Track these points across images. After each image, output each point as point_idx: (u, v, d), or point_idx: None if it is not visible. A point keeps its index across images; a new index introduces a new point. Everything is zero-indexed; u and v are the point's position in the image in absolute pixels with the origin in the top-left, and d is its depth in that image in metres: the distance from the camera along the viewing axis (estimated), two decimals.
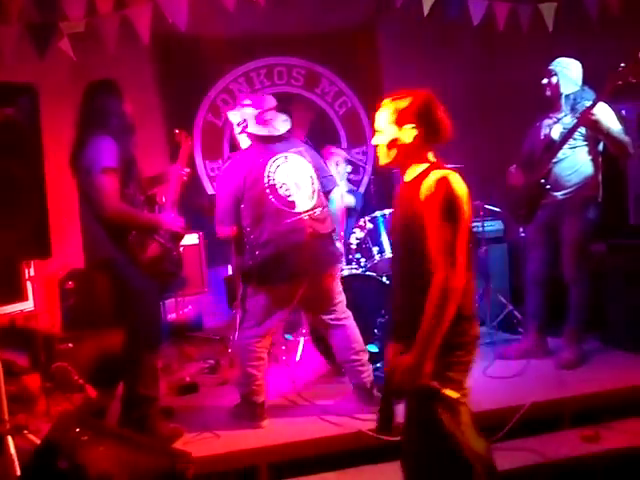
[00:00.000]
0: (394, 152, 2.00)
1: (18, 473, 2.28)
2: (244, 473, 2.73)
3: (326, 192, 3.21)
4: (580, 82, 3.53)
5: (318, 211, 3.05)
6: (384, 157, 2.04)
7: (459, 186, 1.88)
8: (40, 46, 3.61)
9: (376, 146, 2.10)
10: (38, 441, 2.44)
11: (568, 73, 3.51)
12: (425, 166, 1.97)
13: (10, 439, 2.42)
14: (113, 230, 2.75)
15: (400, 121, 1.98)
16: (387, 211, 3.88)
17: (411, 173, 1.99)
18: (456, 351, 1.89)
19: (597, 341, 3.90)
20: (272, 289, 3.01)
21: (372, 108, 6.19)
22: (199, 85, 5.54)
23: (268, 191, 2.97)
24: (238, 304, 3.99)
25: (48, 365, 3.57)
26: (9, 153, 2.51)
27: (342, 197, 3.22)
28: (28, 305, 3.75)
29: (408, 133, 1.97)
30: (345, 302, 3.17)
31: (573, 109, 3.46)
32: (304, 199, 3.02)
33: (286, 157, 3.07)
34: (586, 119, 3.32)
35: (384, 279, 3.72)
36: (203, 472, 2.54)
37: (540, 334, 3.75)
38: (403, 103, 2.01)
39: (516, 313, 4.26)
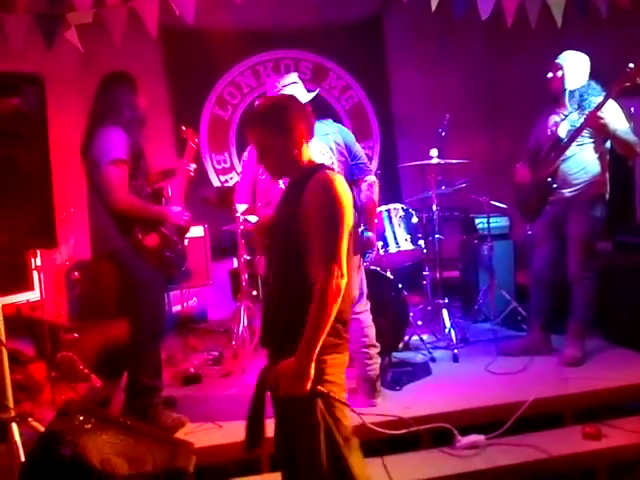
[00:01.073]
0: (274, 162, 1.95)
1: (22, 459, 2.30)
2: (245, 464, 2.74)
3: (355, 180, 3.13)
4: (587, 77, 3.50)
5: None
6: (270, 170, 2.01)
7: (342, 189, 1.83)
8: (47, 36, 3.62)
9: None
10: (42, 429, 2.46)
11: (574, 67, 3.48)
12: (306, 168, 1.93)
13: (15, 426, 2.44)
14: (120, 221, 2.77)
15: (267, 132, 1.92)
16: (392, 206, 3.88)
17: (294, 176, 1.96)
18: (334, 353, 1.88)
19: (601, 339, 3.89)
20: None
21: (379, 102, 6.21)
22: (206, 78, 5.56)
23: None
24: (242, 297, 4.02)
25: (54, 354, 3.60)
26: (16, 142, 2.52)
27: (372, 186, 3.12)
28: (34, 295, 3.77)
29: (278, 141, 1.91)
30: (365, 295, 3.14)
31: (580, 106, 3.43)
32: None
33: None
34: (593, 121, 3.30)
35: (388, 274, 3.73)
36: (205, 462, 2.56)
37: (544, 331, 3.75)
38: (263, 115, 1.96)
39: (520, 310, 4.25)
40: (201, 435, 2.80)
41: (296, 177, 1.94)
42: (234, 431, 2.87)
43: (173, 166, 3.26)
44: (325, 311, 1.76)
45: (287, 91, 3.01)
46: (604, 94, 3.33)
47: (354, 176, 3.12)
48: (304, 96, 3.05)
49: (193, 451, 2.51)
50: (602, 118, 3.28)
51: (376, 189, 3.15)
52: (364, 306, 3.14)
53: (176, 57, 5.41)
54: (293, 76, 3.13)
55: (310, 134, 1.96)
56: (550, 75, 3.52)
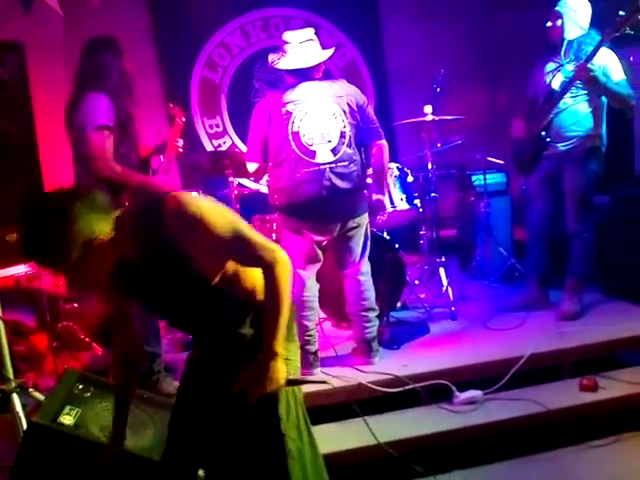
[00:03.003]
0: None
1: (25, 427, 2.33)
2: None
3: (366, 144, 3.09)
4: (587, 26, 3.39)
5: (342, 164, 2.95)
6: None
7: (189, 196, 1.66)
8: (25, 1, 3.51)
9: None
10: (42, 398, 2.49)
11: (574, 16, 3.36)
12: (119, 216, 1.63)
13: (16, 397, 2.47)
14: (106, 189, 2.74)
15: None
16: (392, 164, 3.84)
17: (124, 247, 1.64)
18: (294, 335, 1.92)
19: (599, 292, 3.90)
20: (297, 233, 3.01)
21: (372, 59, 6.08)
22: (194, 40, 5.42)
23: (291, 137, 2.92)
24: None
25: (54, 325, 3.62)
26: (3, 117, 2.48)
27: (382, 150, 3.10)
28: (30, 266, 3.77)
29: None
30: (366, 258, 3.13)
31: (577, 56, 3.34)
32: (326, 151, 2.94)
33: (319, 100, 2.95)
34: (582, 73, 3.21)
35: (384, 234, 3.71)
36: None
37: (541, 286, 3.75)
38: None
39: (518, 266, 4.25)
40: None
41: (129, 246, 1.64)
42: None
43: (162, 142, 3.21)
44: (284, 299, 1.69)
45: (303, 49, 2.95)
46: (607, 52, 3.25)
47: (365, 140, 3.07)
48: (320, 54, 2.99)
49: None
50: (592, 70, 3.20)
51: (386, 153, 3.10)
52: (365, 267, 3.13)
53: (163, 18, 5.25)
54: (309, 32, 3.02)
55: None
56: (549, 24, 3.42)
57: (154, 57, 5.20)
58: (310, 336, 3.07)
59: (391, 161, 4.00)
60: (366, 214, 3.12)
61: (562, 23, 3.37)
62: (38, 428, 2.07)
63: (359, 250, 3.09)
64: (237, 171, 3.97)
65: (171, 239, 1.59)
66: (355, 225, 3.03)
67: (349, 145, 2.98)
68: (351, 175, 2.98)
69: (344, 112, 2.98)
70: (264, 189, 3.98)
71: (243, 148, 5.34)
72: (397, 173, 3.82)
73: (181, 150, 3.18)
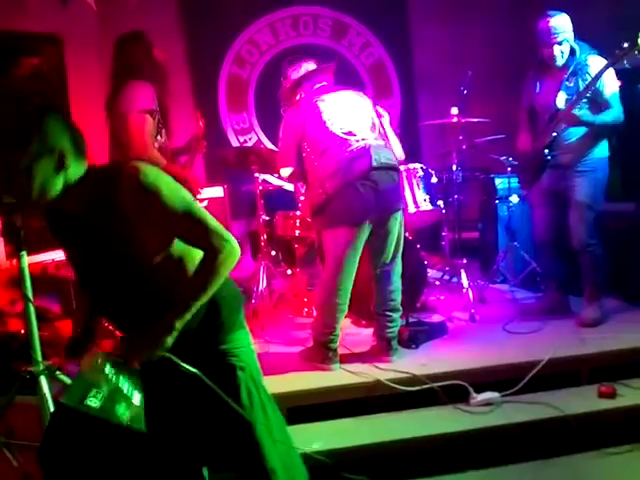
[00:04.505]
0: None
1: (52, 410, 2.41)
2: None
3: None
4: (572, 37, 3.39)
5: (380, 142, 3.06)
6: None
7: (150, 167, 1.62)
8: None
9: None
10: (69, 381, 2.56)
11: (570, 37, 3.37)
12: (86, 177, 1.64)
13: (44, 379, 2.54)
14: None
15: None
16: (411, 165, 3.86)
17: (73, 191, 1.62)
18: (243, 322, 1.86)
19: (621, 299, 3.87)
20: (346, 228, 2.99)
21: (399, 59, 6.10)
22: (223, 36, 5.49)
23: (328, 124, 3.01)
24: (261, 257, 4.07)
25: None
26: (36, 101, 2.55)
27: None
28: (58, 254, 3.86)
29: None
30: (399, 258, 3.16)
31: (574, 72, 3.35)
32: (364, 128, 3.04)
33: (344, 96, 3.11)
34: (568, 119, 3.30)
35: (406, 234, 3.73)
36: None
37: (560, 292, 3.74)
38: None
39: (539, 271, 4.23)
40: None
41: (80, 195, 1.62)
42: None
43: (187, 142, 3.34)
44: (208, 285, 1.63)
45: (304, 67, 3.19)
46: (599, 60, 3.28)
47: None
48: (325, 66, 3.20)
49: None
50: (579, 117, 3.27)
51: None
52: (397, 267, 3.16)
53: (193, 15, 5.34)
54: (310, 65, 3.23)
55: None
56: (556, 52, 3.37)
57: (183, 53, 5.29)
58: (334, 335, 3.10)
59: (415, 162, 4.03)
60: (401, 212, 3.16)
61: (569, 47, 3.38)
62: (65, 409, 2.13)
63: (392, 248, 3.11)
64: (263, 167, 4.03)
65: (120, 205, 1.55)
66: (397, 217, 3.08)
67: (379, 132, 3.12)
68: (390, 152, 3.09)
69: (368, 106, 3.14)
70: (288, 186, 4.03)
71: (268, 144, 5.40)
72: (421, 174, 3.84)
73: (204, 150, 3.33)
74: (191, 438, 1.79)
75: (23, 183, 1.54)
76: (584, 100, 3.31)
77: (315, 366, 3.10)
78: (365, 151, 2.97)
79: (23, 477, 2.51)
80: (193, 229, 1.62)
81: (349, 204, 2.96)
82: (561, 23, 3.36)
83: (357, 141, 2.99)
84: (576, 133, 3.42)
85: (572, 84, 3.35)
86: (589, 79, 3.26)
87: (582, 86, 3.30)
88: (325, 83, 3.20)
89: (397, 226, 3.10)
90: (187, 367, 1.64)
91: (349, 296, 3.11)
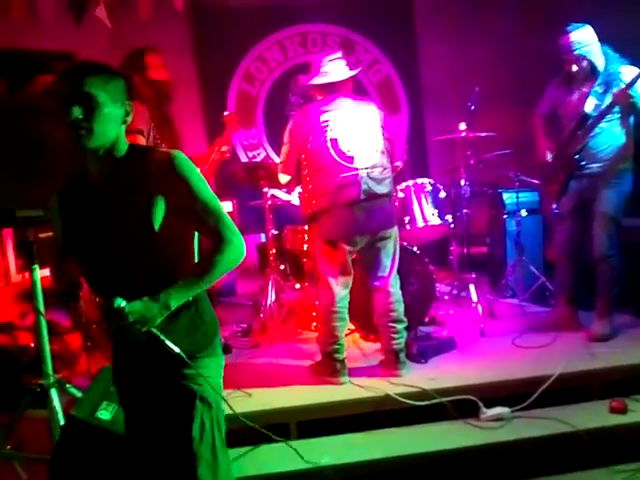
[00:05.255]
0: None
1: (62, 423, 2.42)
2: (275, 430, 2.82)
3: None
4: (598, 46, 3.40)
5: (377, 170, 3.06)
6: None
7: (187, 159, 1.68)
8: (77, 13, 3.68)
9: None
10: (79, 394, 2.57)
11: (595, 48, 3.39)
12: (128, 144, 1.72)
13: (54, 392, 2.55)
14: None
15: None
16: (419, 180, 3.87)
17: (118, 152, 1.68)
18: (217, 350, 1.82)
19: (632, 315, 3.85)
20: (331, 245, 3.08)
21: (407, 76, 6.14)
22: (233, 53, 5.56)
23: (329, 144, 3.03)
24: (270, 271, 4.08)
25: (88, 325, 3.71)
26: (51, 119, 2.59)
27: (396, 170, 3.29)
28: None
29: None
30: (396, 270, 3.18)
31: (607, 82, 3.36)
32: (363, 156, 3.05)
33: (353, 112, 3.09)
34: (621, 99, 3.26)
35: (414, 248, 3.74)
36: (235, 428, 2.64)
37: (571, 307, 3.73)
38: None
39: (549, 285, 4.22)
40: (232, 402, 2.86)
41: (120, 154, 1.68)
42: (263, 399, 2.96)
43: (211, 148, 3.36)
44: (211, 274, 1.63)
45: (331, 66, 3.09)
46: (632, 69, 3.28)
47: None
48: (347, 71, 3.12)
49: (224, 417, 2.59)
50: (632, 97, 3.24)
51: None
52: (394, 279, 3.18)
53: (203, 32, 5.43)
54: (337, 53, 3.17)
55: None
56: (575, 68, 3.41)
57: (194, 69, 5.36)
58: (339, 345, 3.12)
59: (423, 176, 4.05)
60: (396, 227, 3.19)
61: (588, 61, 3.39)
62: (76, 422, 2.15)
63: (389, 262, 3.14)
64: (271, 182, 4.05)
65: (148, 181, 1.60)
66: (387, 236, 3.10)
67: (382, 152, 3.11)
68: (385, 181, 3.10)
69: (378, 122, 3.13)
70: (296, 201, 4.05)
71: (277, 159, 5.44)
72: (429, 188, 3.85)
73: (228, 155, 3.34)
74: (138, 449, 1.76)
75: (93, 122, 1.57)
76: (615, 110, 3.34)
77: (324, 380, 3.11)
78: (356, 181, 3.01)
79: None
80: (210, 218, 1.65)
81: (335, 222, 3.06)
82: (582, 37, 3.38)
83: (351, 170, 3.02)
84: (604, 142, 3.43)
85: (602, 90, 3.36)
86: (623, 86, 3.26)
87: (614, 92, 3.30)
88: (341, 98, 3.12)
89: (391, 242, 3.14)
90: (171, 346, 1.60)
91: (347, 305, 3.16)
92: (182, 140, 3.15)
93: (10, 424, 2.60)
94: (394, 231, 3.16)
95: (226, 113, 3.50)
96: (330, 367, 3.12)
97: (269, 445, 2.71)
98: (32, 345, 3.42)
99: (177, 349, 1.60)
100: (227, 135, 3.38)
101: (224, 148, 3.30)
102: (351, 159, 3.03)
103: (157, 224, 1.60)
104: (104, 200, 1.65)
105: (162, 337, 1.59)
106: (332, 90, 3.11)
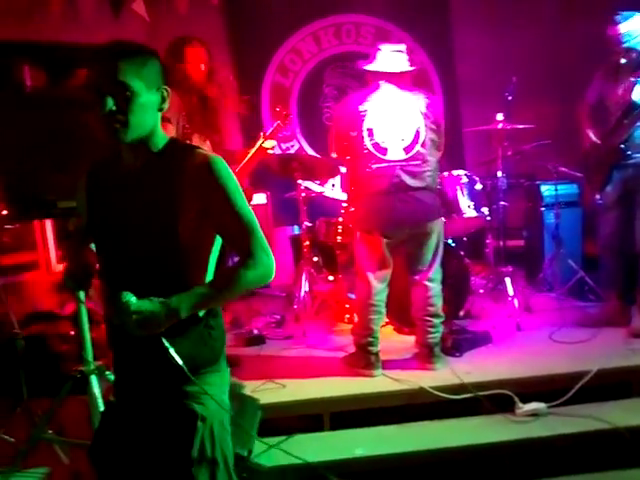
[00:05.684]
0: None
1: (101, 409, 2.47)
2: (308, 421, 2.84)
3: None
4: None
5: (414, 163, 3.02)
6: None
7: (226, 166, 1.57)
8: (115, 7, 3.73)
9: None
10: None
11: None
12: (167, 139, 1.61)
13: (94, 378, 2.61)
14: None
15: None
16: (455, 172, 3.82)
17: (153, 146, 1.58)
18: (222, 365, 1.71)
19: None
20: (367, 234, 3.08)
21: (442, 67, 6.08)
22: (267, 45, 5.56)
23: (366, 132, 3.02)
24: (303, 263, 4.09)
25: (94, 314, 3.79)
26: (89, 111, 2.63)
27: None
28: None
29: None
30: (438, 265, 3.15)
31: None
32: (398, 148, 3.02)
33: (394, 103, 3.05)
34: None
35: (449, 241, 3.70)
36: (270, 418, 2.68)
37: (621, 302, 3.63)
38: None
39: (588, 280, 4.13)
40: (265, 393, 2.91)
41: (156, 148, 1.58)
42: (296, 390, 2.98)
43: (253, 144, 3.38)
44: (231, 290, 1.55)
45: (393, 57, 3.06)
46: None
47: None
48: (406, 65, 3.09)
49: (259, 407, 2.62)
50: None
51: None
52: (435, 274, 3.15)
53: (238, 25, 5.43)
54: (402, 46, 3.15)
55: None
56: (624, 61, 3.34)
57: (229, 62, 5.38)
58: (374, 338, 3.12)
59: (459, 168, 4.00)
60: (440, 220, 3.14)
61: (637, 53, 3.32)
62: (115, 408, 2.19)
63: (429, 256, 3.11)
64: (305, 174, 4.06)
65: (182, 180, 1.51)
66: (427, 230, 3.06)
67: (423, 145, 3.04)
68: (423, 174, 3.04)
69: (422, 114, 3.06)
70: (329, 192, 4.06)
71: (310, 151, 5.44)
72: (465, 180, 3.80)
73: (271, 152, 3.34)
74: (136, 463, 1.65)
75: (129, 114, 1.47)
76: None
77: (357, 372, 3.11)
78: (387, 173, 2.99)
79: (73, 475, 2.58)
80: (242, 231, 1.55)
81: (368, 213, 3.07)
82: (631, 28, 3.31)
83: (383, 161, 3.00)
84: None
85: None
86: None
87: None
88: (385, 88, 3.08)
89: (433, 237, 3.09)
90: (175, 356, 1.48)
91: (385, 299, 3.14)
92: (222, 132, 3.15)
93: (52, 410, 2.67)
94: (436, 225, 3.11)
95: (278, 109, 3.51)
96: (364, 359, 3.11)
97: (303, 435, 2.73)
98: (72, 333, 3.51)
99: (180, 361, 1.48)
100: (275, 131, 3.38)
101: (270, 144, 3.30)
102: (385, 150, 3.02)
103: (182, 228, 1.51)
104: (133, 192, 1.56)
105: (167, 344, 1.48)
106: (385, 79, 3.07)
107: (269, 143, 3.34)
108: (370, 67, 3.10)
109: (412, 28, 5.73)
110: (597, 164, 3.57)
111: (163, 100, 1.55)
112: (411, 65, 3.12)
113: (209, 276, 1.60)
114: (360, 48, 5.66)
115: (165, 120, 2.76)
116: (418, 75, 5.76)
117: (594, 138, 3.57)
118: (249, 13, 5.36)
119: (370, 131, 3.02)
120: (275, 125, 3.43)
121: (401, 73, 3.08)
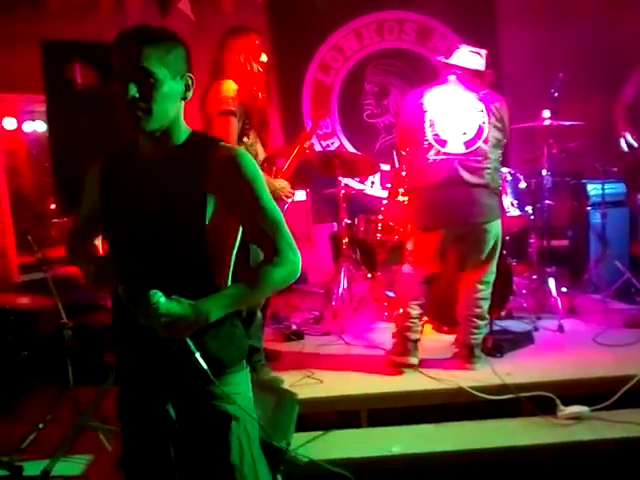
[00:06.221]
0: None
1: None
2: (346, 417, 2.85)
3: None
4: None
5: (474, 159, 2.98)
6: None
7: (253, 161, 1.52)
8: (162, 6, 3.81)
9: None
10: None
11: None
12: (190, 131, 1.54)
13: None
14: None
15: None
16: (504, 169, 3.76)
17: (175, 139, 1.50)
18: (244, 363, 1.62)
19: None
20: (419, 229, 3.09)
21: (486, 61, 5.94)
22: (309, 42, 5.58)
23: (427, 123, 3.02)
24: (342, 260, 4.10)
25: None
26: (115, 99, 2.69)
27: None
28: None
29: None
30: (493, 265, 3.09)
31: None
32: (458, 142, 2.99)
33: (459, 98, 3.05)
34: None
35: None
36: (307, 412, 2.69)
37: None
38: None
39: (635, 281, 4.01)
40: (303, 388, 2.93)
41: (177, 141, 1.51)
42: (334, 385, 2.99)
43: (294, 145, 3.33)
44: (259, 289, 1.50)
45: (469, 55, 3.10)
46: None
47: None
48: (480, 65, 3.11)
49: (297, 401, 2.65)
50: None
51: None
52: (488, 276, 3.09)
53: (281, 23, 5.48)
54: (482, 50, 3.19)
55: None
56: None
57: (272, 59, 5.41)
58: (413, 323, 3.10)
59: (503, 166, 3.93)
60: (498, 222, 3.07)
61: None
62: None
63: (482, 258, 3.05)
64: (346, 171, 4.06)
65: (206, 172, 1.45)
66: (483, 232, 3.00)
67: (486, 141, 3.00)
68: (482, 171, 2.98)
69: (487, 111, 3.03)
70: (369, 190, 4.05)
71: (350, 149, 5.44)
72: (510, 178, 3.74)
73: (308, 152, 3.33)
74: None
75: (152, 102, 1.40)
76: None
77: (392, 359, 3.11)
78: (444, 166, 2.96)
79: (116, 462, 2.65)
80: (269, 228, 1.49)
81: (422, 205, 3.07)
82: None
83: (440, 153, 2.97)
84: None
85: None
86: None
87: None
88: (452, 83, 3.09)
89: (489, 237, 3.02)
90: (200, 361, 1.39)
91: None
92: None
93: (97, 399, 2.76)
94: (493, 227, 3.03)
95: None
96: (402, 346, 3.10)
97: (340, 431, 2.75)
98: None
99: (205, 365, 1.39)
100: (312, 131, 3.39)
101: (307, 144, 3.32)
102: (444, 142, 2.99)
103: (207, 222, 1.45)
104: (155, 184, 1.48)
105: (193, 348, 1.38)
106: (456, 75, 3.08)
107: (307, 143, 3.35)
108: (445, 59, 3.11)
109: (456, 24, 5.66)
110: (637, 164, 3.47)
111: (187, 88, 1.48)
112: (486, 69, 3.11)
113: (231, 272, 1.56)
114: (402, 44, 5.63)
115: (230, 114, 2.76)
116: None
117: (631, 140, 3.47)
118: (292, 11, 5.40)
119: (432, 122, 3.01)
120: (314, 126, 3.46)
121: (472, 74, 3.06)
